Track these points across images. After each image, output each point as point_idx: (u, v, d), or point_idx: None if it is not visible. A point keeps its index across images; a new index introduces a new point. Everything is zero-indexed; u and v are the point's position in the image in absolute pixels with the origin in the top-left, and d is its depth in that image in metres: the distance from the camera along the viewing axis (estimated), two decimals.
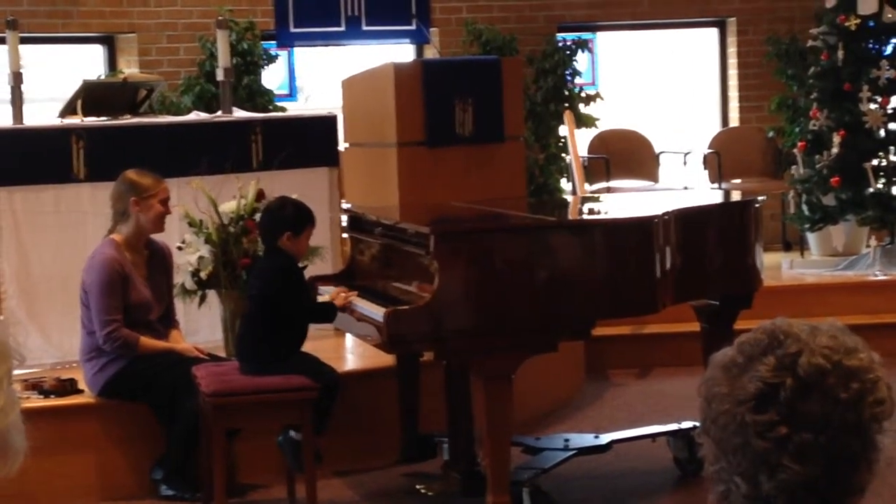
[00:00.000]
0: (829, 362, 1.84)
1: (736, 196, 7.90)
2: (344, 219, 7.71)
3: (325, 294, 6.37)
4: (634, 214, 6.28)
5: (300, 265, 6.26)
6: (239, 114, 8.36)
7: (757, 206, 6.52)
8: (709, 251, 6.22)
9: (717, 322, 6.60)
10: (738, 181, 11.46)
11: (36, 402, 6.59)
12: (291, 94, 11.47)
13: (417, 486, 6.40)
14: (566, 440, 6.52)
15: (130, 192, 6.59)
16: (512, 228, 6.02)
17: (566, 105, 11.40)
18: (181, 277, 6.99)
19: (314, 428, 5.97)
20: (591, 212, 7.38)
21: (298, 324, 6.13)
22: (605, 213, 7.12)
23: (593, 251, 5.67)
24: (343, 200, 8.15)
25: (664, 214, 5.85)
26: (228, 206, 7.11)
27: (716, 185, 11.33)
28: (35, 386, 6.72)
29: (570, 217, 7.22)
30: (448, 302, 5.47)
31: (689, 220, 6.08)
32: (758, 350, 1.86)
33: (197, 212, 7.12)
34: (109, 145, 7.54)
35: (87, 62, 11.02)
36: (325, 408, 6.06)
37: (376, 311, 5.67)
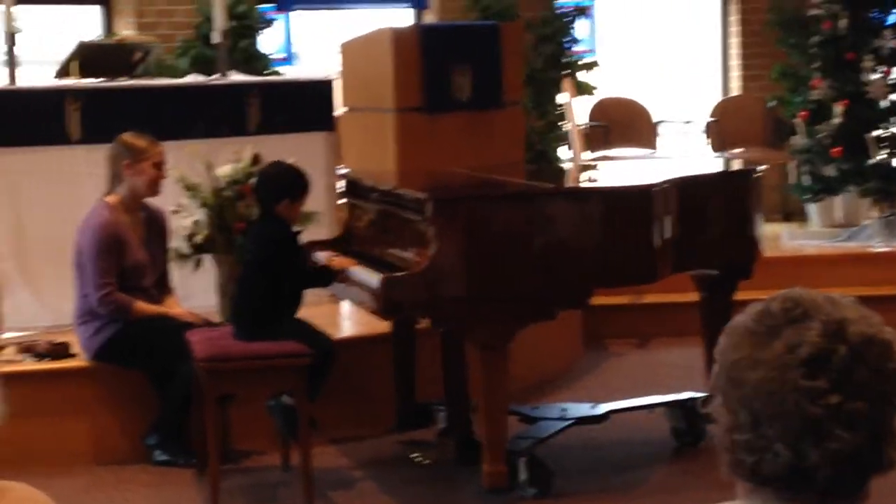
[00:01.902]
0: (875, 333, 1.83)
1: (736, 166, 7.82)
2: (340, 184, 7.64)
3: (321, 260, 6.31)
4: (633, 183, 6.21)
5: (296, 230, 6.18)
6: (235, 77, 8.29)
7: (757, 175, 6.47)
8: (708, 220, 6.17)
9: (716, 292, 6.56)
10: (738, 150, 11.39)
11: (29, 365, 6.55)
12: (288, 59, 11.37)
13: (413, 455, 6.35)
14: (563, 410, 6.48)
15: (124, 155, 6.53)
16: (510, 195, 5.95)
17: (565, 72, 11.32)
18: (176, 242, 6.93)
19: (307, 395, 5.91)
20: (589, 180, 7.32)
21: (294, 289, 6.06)
22: (604, 181, 7.05)
23: (591, 219, 5.62)
24: (339, 165, 8.09)
25: (664, 183, 5.80)
26: (224, 170, 7.04)
27: (717, 155, 11.28)
28: (28, 349, 6.67)
29: (568, 185, 7.16)
30: (444, 269, 5.42)
31: (688, 189, 6.03)
32: (782, 319, 1.84)
33: (192, 176, 7.05)
34: (105, 107, 7.47)
35: (84, 24, 10.93)
36: (319, 375, 5.99)
37: (372, 278, 5.62)
